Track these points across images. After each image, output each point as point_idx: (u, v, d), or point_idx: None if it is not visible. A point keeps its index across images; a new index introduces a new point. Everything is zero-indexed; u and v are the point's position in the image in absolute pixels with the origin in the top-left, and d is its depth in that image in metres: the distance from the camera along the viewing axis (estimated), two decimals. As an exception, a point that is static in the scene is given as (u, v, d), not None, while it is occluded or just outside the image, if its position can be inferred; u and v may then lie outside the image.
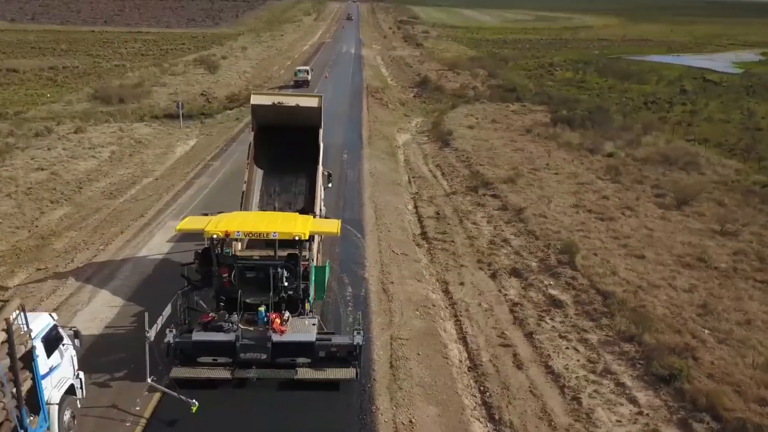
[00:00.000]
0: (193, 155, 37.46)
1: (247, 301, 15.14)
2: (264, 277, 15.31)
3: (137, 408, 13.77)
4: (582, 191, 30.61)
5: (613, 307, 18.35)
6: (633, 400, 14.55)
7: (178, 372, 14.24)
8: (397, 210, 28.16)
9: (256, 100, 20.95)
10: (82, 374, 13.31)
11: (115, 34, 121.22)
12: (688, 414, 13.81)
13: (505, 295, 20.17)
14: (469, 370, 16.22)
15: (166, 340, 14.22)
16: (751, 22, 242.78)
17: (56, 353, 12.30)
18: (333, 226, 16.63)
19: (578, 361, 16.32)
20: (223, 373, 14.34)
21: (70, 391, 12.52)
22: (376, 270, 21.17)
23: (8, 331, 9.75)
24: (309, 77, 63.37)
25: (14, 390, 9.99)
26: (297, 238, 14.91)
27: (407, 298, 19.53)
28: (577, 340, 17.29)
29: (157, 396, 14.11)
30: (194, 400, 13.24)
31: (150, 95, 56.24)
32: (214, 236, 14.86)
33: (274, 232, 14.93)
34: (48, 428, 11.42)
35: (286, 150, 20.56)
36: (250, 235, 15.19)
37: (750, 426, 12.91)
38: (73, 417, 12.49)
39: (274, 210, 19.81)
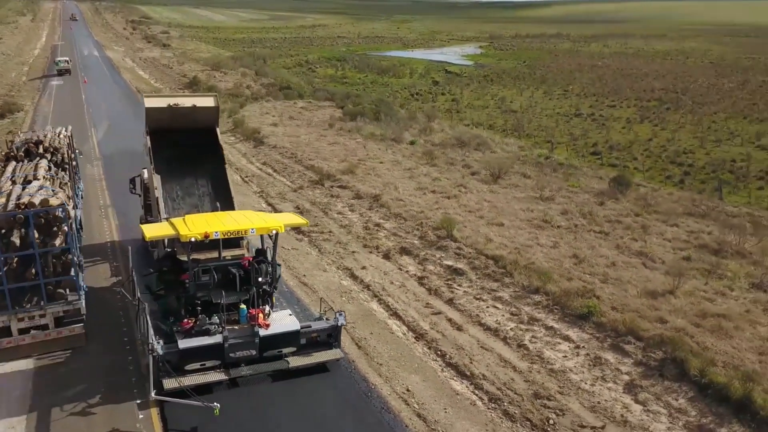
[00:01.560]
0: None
1: (222, 301, 14.95)
2: (231, 277, 15.28)
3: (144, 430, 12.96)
4: (414, 176, 33.36)
5: (508, 268, 21.03)
6: (567, 338, 17.20)
7: (171, 383, 13.62)
8: (254, 209, 28.14)
9: (150, 103, 19.93)
10: None
11: None
12: (615, 340, 16.81)
13: (407, 271, 21.84)
14: (417, 340, 17.58)
15: (153, 353, 13.49)
16: (457, 19, 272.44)
17: None
18: (298, 218, 16.93)
19: (503, 316, 18.61)
20: (219, 376, 14.13)
21: None
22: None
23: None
24: (70, 66, 68.29)
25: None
26: (275, 231, 15.10)
27: (326, 287, 20.28)
28: (492, 299, 19.60)
29: (154, 411, 13.40)
30: (216, 403, 12.87)
31: None
32: (192, 239, 14.33)
33: (252, 228, 14.90)
34: None
35: (180, 152, 19.87)
36: (228, 234, 14.91)
37: (665, 338, 16.22)
38: None
39: (182, 215, 19.12)
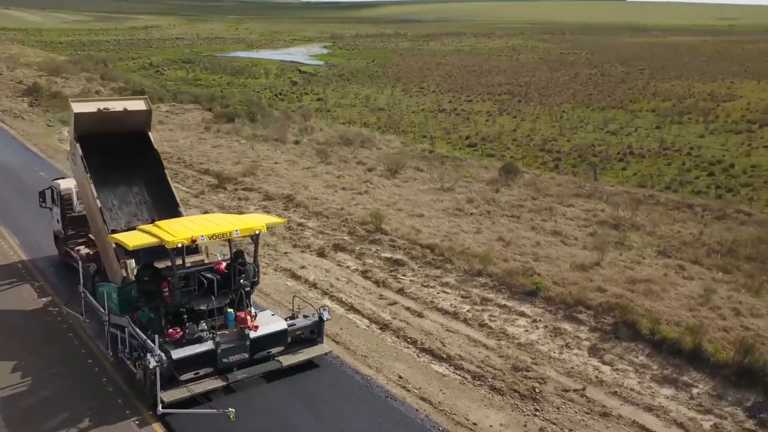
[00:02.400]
0: None
1: (209, 307, 14.55)
2: (207, 283, 14.92)
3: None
4: (317, 174, 33.51)
5: (446, 254, 21.98)
6: (522, 314, 18.43)
7: (171, 396, 13.10)
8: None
9: (78, 108, 18.54)
10: None
11: None
12: (567, 311, 18.26)
13: (348, 267, 22.11)
14: (383, 331, 17.97)
15: (149, 366, 12.89)
16: (293, 19, 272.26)
17: None
18: (273, 218, 16.72)
19: (456, 299, 19.50)
20: (216, 382, 13.80)
21: None
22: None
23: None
24: None
25: None
26: (257, 232, 14.91)
27: (277, 290, 20.06)
28: (439, 285, 20.44)
29: (157, 426, 12.83)
30: (231, 409, 12.52)
31: None
32: (179, 245, 13.74)
33: (237, 230, 14.60)
34: None
35: (110, 158, 18.73)
36: (214, 237, 14.46)
37: (611, 304, 17.92)
38: None
39: (122, 225, 18.09)
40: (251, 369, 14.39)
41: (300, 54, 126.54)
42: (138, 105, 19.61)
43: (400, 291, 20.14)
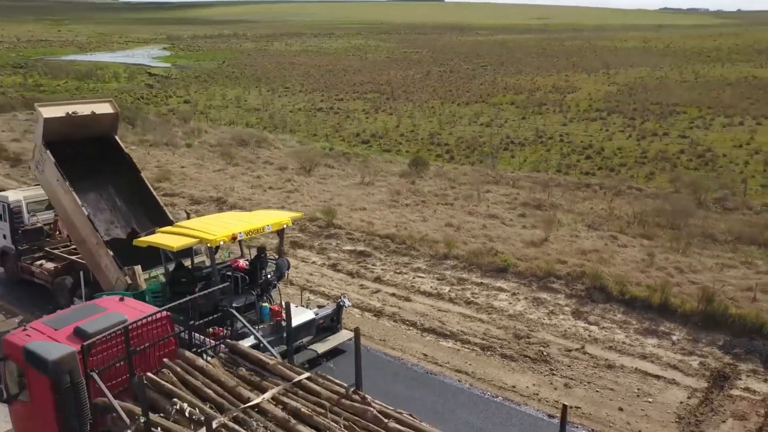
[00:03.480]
0: None
1: (234, 305, 14.69)
2: (233, 280, 15.14)
3: None
4: (234, 175, 33.17)
5: (408, 242, 23.06)
6: (501, 289, 19.96)
7: None
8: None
9: (48, 112, 17.36)
10: None
11: None
12: (540, 282, 20.02)
13: (314, 262, 22.50)
14: (378, 317, 18.73)
15: None
16: (118, 21, 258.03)
17: None
18: (291, 213, 17.01)
19: (433, 282, 20.63)
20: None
21: None
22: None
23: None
24: None
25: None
26: (285, 226, 15.25)
27: (258, 288, 20.03)
28: (412, 271, 21.47)
29: None
30: None
31: None
32: (222, 243, 13.73)
33: (268, 225, 14.84)
34: None
35: (76, 165, 17.79)
36: (250, 233, 14.54)
37: (578, 273, 19.96)
38: None
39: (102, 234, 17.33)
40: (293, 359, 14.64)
41: (141, 56, 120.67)
42: (104, 108, 18.78)
43: (377, 279, 20.92)
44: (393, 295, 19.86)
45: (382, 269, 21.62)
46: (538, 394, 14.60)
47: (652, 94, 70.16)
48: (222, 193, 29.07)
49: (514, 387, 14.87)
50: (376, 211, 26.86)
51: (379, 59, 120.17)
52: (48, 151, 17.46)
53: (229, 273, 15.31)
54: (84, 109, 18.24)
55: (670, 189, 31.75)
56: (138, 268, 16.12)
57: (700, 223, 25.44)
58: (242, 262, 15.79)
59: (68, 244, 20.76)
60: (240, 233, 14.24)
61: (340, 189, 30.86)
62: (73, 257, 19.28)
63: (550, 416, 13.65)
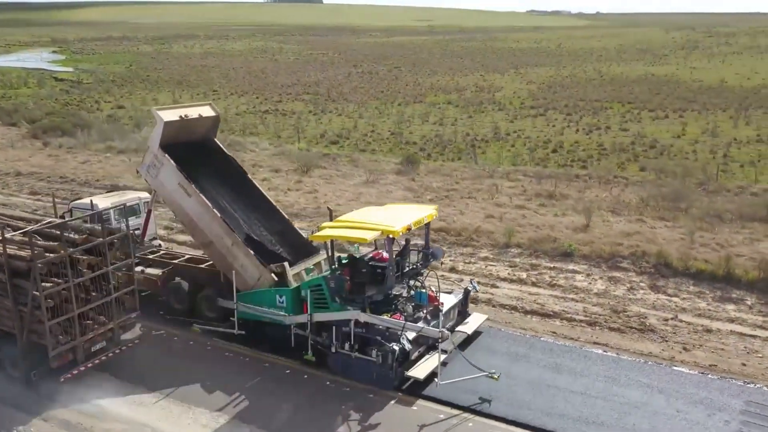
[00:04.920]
0: None
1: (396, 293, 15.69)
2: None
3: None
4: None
5: (464, 234, 24.32)
6: (575, 272, 21.56)
7: (425, 370, 14.52)
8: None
9: (167, 116, 17.14)
10: None
11: None
12: (609, 263, 21.82)
13: (382, 257, 23.24)
14: (475, 304, 19.81)
15: (398, 347, 14.29)
16: None
17: None
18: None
19: (508, 269, 21.97)
20: (441, 356, 14.68)
21: None
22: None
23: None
24: None
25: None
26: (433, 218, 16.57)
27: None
28: (481, 260, 22.73)
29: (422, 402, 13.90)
30: (494, 371, 13.97)
31: None
32: (400, 234, 14.93)
33: (425, 217, 16.10)
34: None
35: (184, 168, 17.74)
36: (417, 224, 15.64)
37: (638, 252, 21.97)
38: None
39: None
40: (453, 336, 15.74)
41: (34, 60, 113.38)
42: (208, 111, 18.79)
43: (453, 269, 22.00)
44: (478, 282, 20.99)
45: (451, 260, 22.69)
46: (674, 358, 16.31)
47: (571, 92, 75.00)
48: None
49: (651, 353, 16.53)
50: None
51: (289, 61, 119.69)
52: (167, 155, 17.27)
53: (379, 264, 15.89)
54: (191, 112, 18.17)
55: (651, 177, 34.78)
56: (286, 264, 16.44)
57: (701, 205, 28.33)
58: (384, 254, 16.43)
59: (155, 249, 20.45)
60: (411, 225, 15.04)
61: (354, 188, 31.52)
62: (175, 261, 19.06)
63: (703, 373, 15.39)
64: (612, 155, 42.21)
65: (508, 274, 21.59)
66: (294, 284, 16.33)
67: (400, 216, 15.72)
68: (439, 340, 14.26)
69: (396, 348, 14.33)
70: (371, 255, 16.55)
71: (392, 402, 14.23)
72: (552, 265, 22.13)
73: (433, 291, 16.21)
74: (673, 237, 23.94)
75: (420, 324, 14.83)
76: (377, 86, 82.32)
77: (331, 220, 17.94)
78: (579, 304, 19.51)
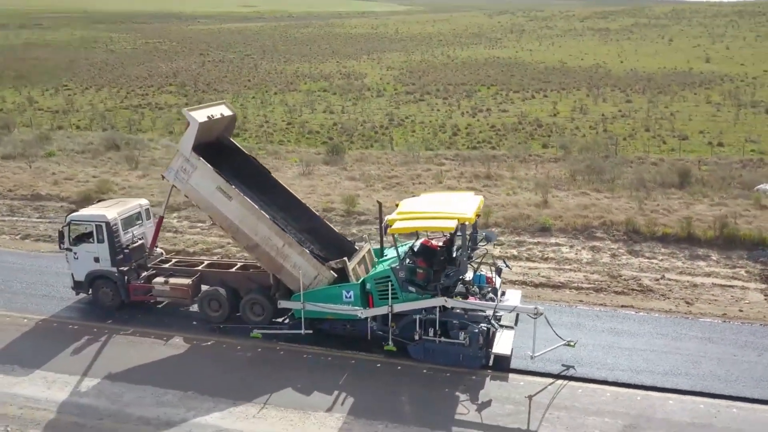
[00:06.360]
0: None
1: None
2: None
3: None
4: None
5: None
6: (557, 245, 23.39)
7: (502, 348, 15.40)
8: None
9: (199, 117, 16.33)
10: None
11: None
12: (585, 233, 23.89)
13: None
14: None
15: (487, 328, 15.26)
16: None
17: None
18: None
19: (497, 247, 23.37)
20: (511, 332, 15.93)
21: None
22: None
23: None
24: None
25: None
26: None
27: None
28: (469, 242, 23.88)
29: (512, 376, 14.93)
30: (571, 339, 15.26)
31: None
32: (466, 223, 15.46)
33: (480, 206, 16.71)
34: None
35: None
36: (478, 213, 16.23)
37: (607, 222, 24.28)
38: None
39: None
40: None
41: None
42: (225, 110, 18.08)
43: (449, 253, 22.96)
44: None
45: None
46: (690, 312, 18.55)
47: (433, 76, 78.32)
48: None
49: (669, 310, 18.61)
50: (372, 196, 28.33)
51: (127, 51, 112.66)
52: (201, 158, 16.50)
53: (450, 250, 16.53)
54: (214, 112, 17.46)
55: (559, 153, 37.92)
56: (346, 259, 16.46)
57: (624, 176, 31.61)
58: (434, 242, 17.01)
59: (167, 258, 19.35)
60: (479, 211, 15.88)
61: (298, 180, 31.28)
62: (198, 268, 18.22)
63: (724, 321, 17.73)
64: (509, 135, 45.20)
65: (500, 252, 22.91)
66: (353, 279, 16.41)
67: (460, 204, 16.27)
68: (536, 315, 15.05)
69: (486, 328, 15.04)
70: (422, 242, 16.98)
71: (488, 379, 14.98)
72: (536, 240, 23.81)
73: (490, 273, 17.04)
74: (623, 207, 26.63)
75: (507, 303, 15.63)
76: (240, 75, 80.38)
77: (380, 214, 18.11)
78: (578, 273, 21.31)
